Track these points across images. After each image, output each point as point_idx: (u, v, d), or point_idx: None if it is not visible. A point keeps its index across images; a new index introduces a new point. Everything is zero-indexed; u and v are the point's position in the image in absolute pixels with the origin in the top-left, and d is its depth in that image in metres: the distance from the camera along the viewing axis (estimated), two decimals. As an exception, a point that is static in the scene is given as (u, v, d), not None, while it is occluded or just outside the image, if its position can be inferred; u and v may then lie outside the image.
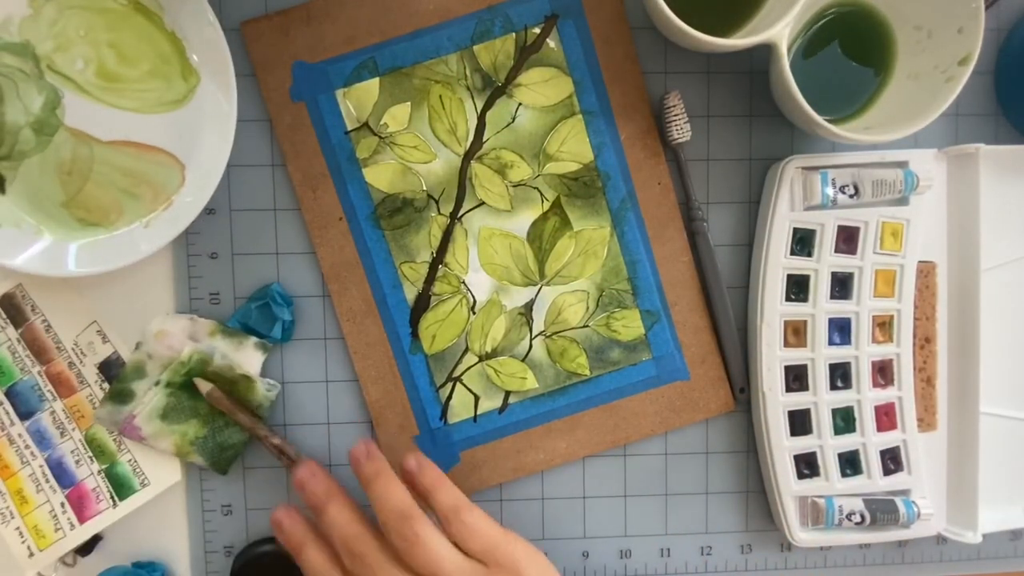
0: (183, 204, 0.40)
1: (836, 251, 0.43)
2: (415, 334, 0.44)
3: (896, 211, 0.43)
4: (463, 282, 0.43)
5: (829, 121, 0.38)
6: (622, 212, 0.43)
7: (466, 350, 0.44)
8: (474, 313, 0.44)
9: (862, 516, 0.44)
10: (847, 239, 0.43)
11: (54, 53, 0.40)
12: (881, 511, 0.44)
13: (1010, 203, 0.45)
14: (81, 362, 0.43)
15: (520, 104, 0.43)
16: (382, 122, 0.42)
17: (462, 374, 0.44)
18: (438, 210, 0.43)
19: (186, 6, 0.39)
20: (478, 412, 0.44)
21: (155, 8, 0.40)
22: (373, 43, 0.42)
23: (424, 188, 0.43)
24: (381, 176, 0.43)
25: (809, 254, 0.43)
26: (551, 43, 0.42)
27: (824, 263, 0.43)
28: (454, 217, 0.43)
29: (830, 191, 0.42)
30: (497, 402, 0.44)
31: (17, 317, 0.42)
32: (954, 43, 0.39)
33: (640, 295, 0.44)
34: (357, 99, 0.42)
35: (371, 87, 0.42)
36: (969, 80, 0.38)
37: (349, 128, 0.42)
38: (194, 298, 0.43)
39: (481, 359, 0.44)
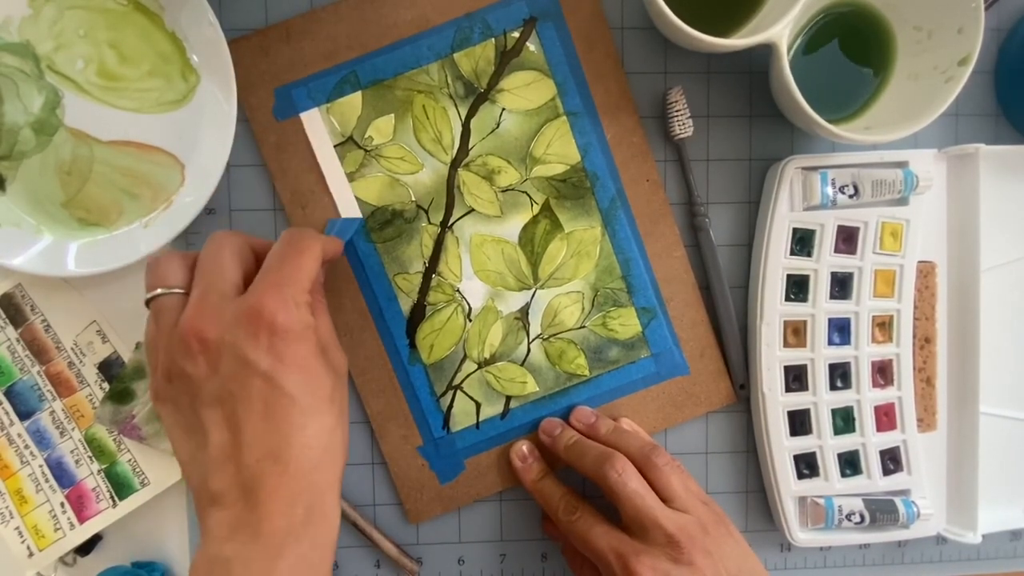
0: (183, 204, 0.41)
1: (836, 251, 0.43)
2: (413, 345, 0.43)
3: (896, 211, 0.43)
4: (457, 290, 0.43)
5: (829, 121, 0.38)
6: (612, 211, 0.43)
7: (464, 358, 0.44)
8: (470, 320, 0.44)
9: (862, 516, 0.44)
10: (847, 239, 0.43)
11: (54, 53, 0.40)
12: (881, 511, 0.44)
13: (1010, 203, 0.45)
14: (81, 362, 0.43)
15: (504, 109, 0.43)
16: (367, 135, 0.42)
17: (462, 382, 0.44)
18: (428, 220, 0.43)
19: (186, 6, 0.39)
20: (480, 419, 0.44)
21: (155, 8, 0.40)
22: (353, 57, 0.42)
23: (413, 199, 0.43)
24: (369, 189, 0.42)
25: (809, 254, 0.43)
26: (531, 46, 0.42)
27: (824, 263, 0.43)
28: (444, 226, 0.43)
29: (830, 191, 0.42)
30: (499, 408, 0.44)
31: (17, 317, 0.43)
32: (954, 43, 0.39)
33: (635, 293, 0.44)
34: (341, 114, 0.42)
35: (354, 101, 0.42)
36: (969, 80, 0.38)
37: (334, 143, 0.42)
38: (194, 298, 0.43)
39: (480, 366, 0.44)
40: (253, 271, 0.34)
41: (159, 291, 0.34)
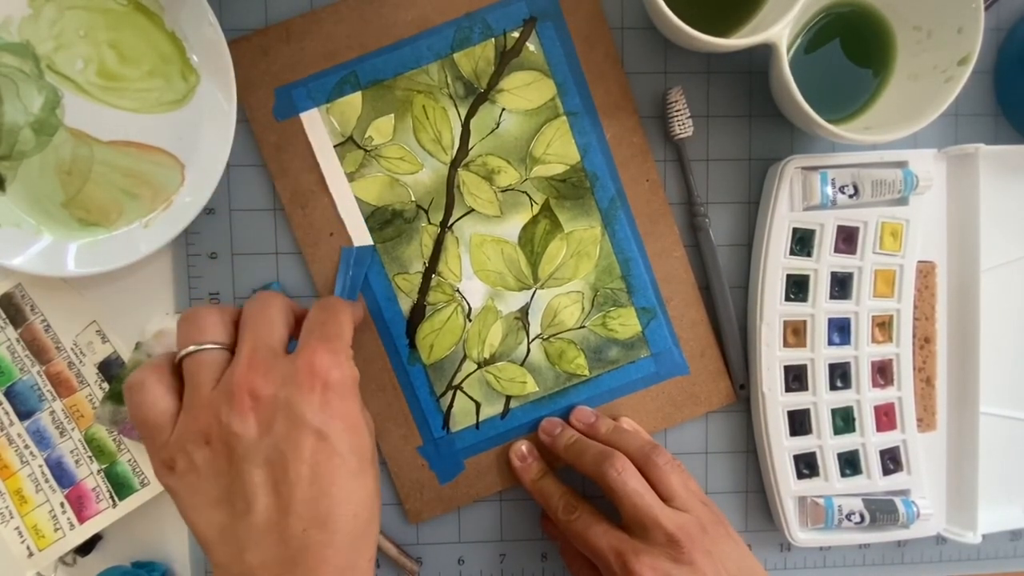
0: (183, 204, 0.41)
1: (836, 251, 0.43)
2: (412, 345, 0.43)
3: (896, 211, 0.43)
4: (457, 290, 0.43)
5: (829, 121, 0.38)
6: (612, 211, 0.43)
7: (464, 358, 0.44)
8: (470, 320, 0.44)
9: (862, 516, 0.44)
10: (847, 239, 0.43)
11: (54, 53, 0.40)
12: (881, 511, 0.44)
13: (1010, 203, 0.45)
14: (81, 362, 0.43)
15: (504, 109, 0.43)
16: (367, 135, 0.42)
17: (462, 382, 0.44)
18: (428, 220, 0.43)
19: (186, 6, 0.39)
20: (480, 419, 0.44)
21: (155, 8, 0.40)
22: (353, 57, 0.42)
23: (413, 199, 0.43)
24: (369, 189, 0.42)
25: (809, 254, 0.43)
26: (531, 46, 0.42)
27: (824, 263, 0.43)
28: (444, 226, 0.43)
29: (830, 191, 0.42)
30: (498, 408, 0.44)
31: (17, 317, 0.43)
32: (954, 43, 0.39)
33: (635, 293, 0.44)
34: (341, 114, 0.42)
35: (354, 101, 0.42)
36: (969, 80, 0.38)
37: (334, 143, 0.42)
38: (194, 298, 0.43)
39: (480, 366, 0.44)
40: (294, 333, 0.35)
41: (195, 347, 0.32)
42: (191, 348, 0.32)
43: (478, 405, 0.44)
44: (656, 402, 0.45)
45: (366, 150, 0.42)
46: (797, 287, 0.44)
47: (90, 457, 0.43)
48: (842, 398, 0.44)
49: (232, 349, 0.33)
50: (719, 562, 0.35)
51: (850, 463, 0.45)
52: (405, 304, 0.43)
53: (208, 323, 0.33)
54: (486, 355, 0.44)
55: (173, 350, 0.41)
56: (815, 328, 0.44)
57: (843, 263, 0.44)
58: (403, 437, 0.44)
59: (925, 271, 0.45)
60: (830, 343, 0.44)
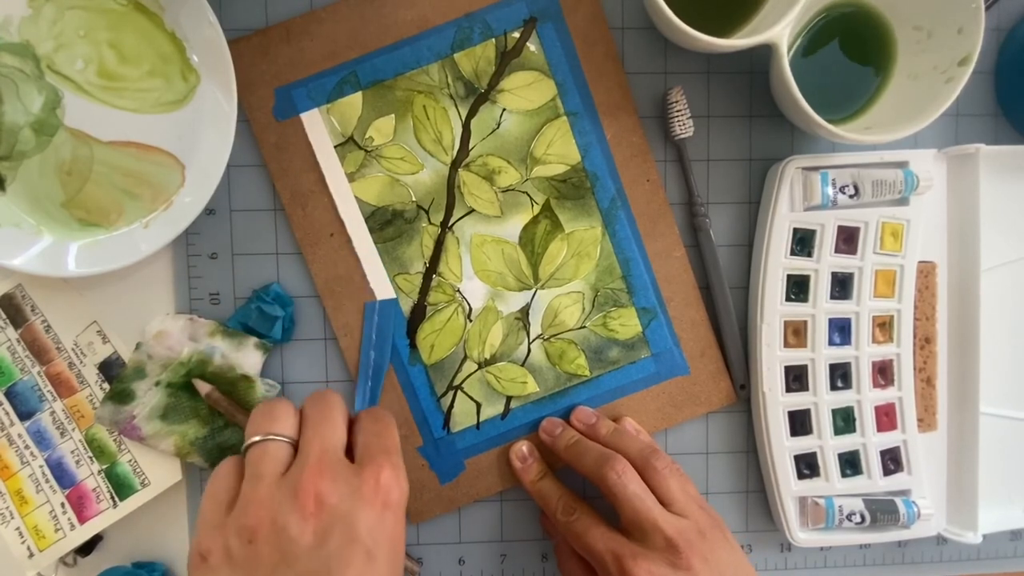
0: (183, 204, 0.41)
1: (836, 251, 0.43)
2: (413, 345, 0.43)
3: (896, 211, 0.43)
4: (458, 290, 0.43)
5: (829, 121, 0.38)
6: (612, 211, 0.43)
7: (465, 358, 0.44)
8: (471, 321, 0.44)
9: (862, 516, 0.44)
10: (847, 239, 0.43)
11: (54, 53, 0.40)
12: (881, 511, 0.44)
13: (1010, 203, 0.45)
14: (81, 362, 0.43)
15: (504, 109, 0.43)
16: (367, 136, 0.42)
17: (462, 382, 0.44)
18: (429, 220, 0.43)
19: (186, 6, 0.39)
20: (481, 419, 0.44)
21: (155, 8, 0.40)
22: (354, 57, 0.42)
23: (413, 199, 0.43)
24: (369, 189, 0.42)
25: (809, 254, 0.43)
26: (531, 47, 0.42)
27: (824, 263, 0.43)
28: (445, 226, 0.43)
29: (830, 191, 0.42)
30: (499, 408, 0.44)
31: (17, 317, 0.42)
32: (954, 43, 0.39)
33: (635, 293, 0.44)
34: (341, 114, 0.42)
35: (354, 101, 0.42)
36: (969, 80, 0.38)
37: (335, 143, 0.42)
38: (194, 298, 0.43)
39: (480, 366, 0.44)
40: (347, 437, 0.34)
41: (261, 436, 0.32)
42: (257, 437, 0.32)
43: (479, 405, 0.44)
44: (656, 402, 0.45)
45: (366, 150, 0.42)
46: (797, 287, 0.44)
47: (90, 457, 0.43)
48: (843, 398, 0.44)
49: (296, 445, 0.33)
50: (716, 568, 0.35)
51: (851, 463, 0.45)
52: (406, 304, 0.43)
53: (281, 414, 0.33)
54: (487, 355, 0.44)
55: (174, 351, 0.41)
56: (816, 328, 0.44)
57: (844, 263, 0.44)
58: (403, 437, 0.44)
59: (925, 271, 0.45)
60: (831, 343, 0.44)
